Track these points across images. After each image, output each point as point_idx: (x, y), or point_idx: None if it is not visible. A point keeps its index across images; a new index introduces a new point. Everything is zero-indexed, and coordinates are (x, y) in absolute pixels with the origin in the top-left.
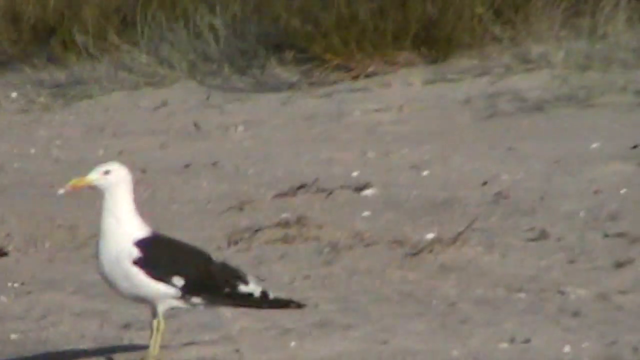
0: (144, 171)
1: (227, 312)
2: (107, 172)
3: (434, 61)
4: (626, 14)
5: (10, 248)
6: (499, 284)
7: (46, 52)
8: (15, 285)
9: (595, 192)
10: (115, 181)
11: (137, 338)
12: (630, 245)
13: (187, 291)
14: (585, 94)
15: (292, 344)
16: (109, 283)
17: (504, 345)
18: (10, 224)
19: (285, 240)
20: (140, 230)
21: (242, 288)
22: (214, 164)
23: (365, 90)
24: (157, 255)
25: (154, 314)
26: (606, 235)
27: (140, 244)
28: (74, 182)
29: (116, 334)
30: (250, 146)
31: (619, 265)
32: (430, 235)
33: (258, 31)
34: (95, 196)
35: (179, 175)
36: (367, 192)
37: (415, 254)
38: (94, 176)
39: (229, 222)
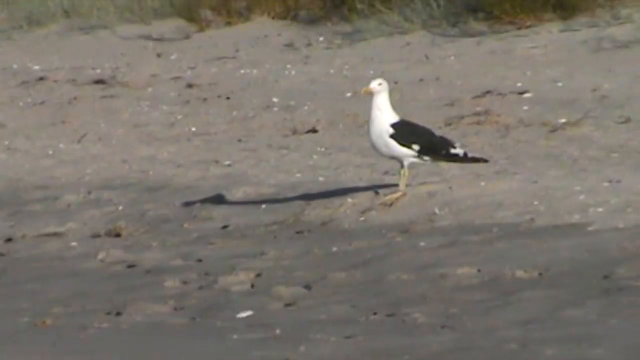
0: (396, 83)
1: (444, 165)
2: (379, 84)
3: (565, 19)
4: None
5: (319, 127)
6: (602, 148)
7: (340, 14)
8: (322, 149)
9: None
10: (381, 89)
11: (392, 180)
12: None
13: (420, 153)
14: None
15: (482, 183)
16: (375, 148)
17: (605, 184)
18: (319, 113)
19: (478, 123)
20: (393, 117)
21: (452, 150)
22: (437, 79)
23: (524, 36)
24: (404, 131)
25: (402, 166)
26: None
27: (394, 125)
28: (364, 89)
29: (380, 177)
30: (457, 69)
31: None
32: (562, 120)
33: (463, 1)
34: (367, 98)
35: (416, 86)
36: (526, 95)
37: (553, 131)
38: (372, 85)
39: (445, 113)
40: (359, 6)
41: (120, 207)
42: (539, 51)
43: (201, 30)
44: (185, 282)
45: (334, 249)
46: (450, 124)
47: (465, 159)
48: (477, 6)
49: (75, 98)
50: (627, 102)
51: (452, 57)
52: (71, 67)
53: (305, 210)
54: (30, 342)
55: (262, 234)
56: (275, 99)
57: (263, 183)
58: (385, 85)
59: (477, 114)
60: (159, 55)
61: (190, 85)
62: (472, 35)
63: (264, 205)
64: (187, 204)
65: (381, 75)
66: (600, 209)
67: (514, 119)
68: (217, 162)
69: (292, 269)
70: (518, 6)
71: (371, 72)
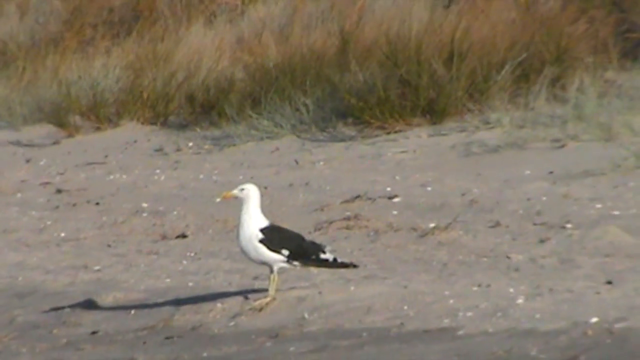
0: (266, 188)
1: (313, 270)
2: (243, 189)
3: (434, 123)
4: (545, 96)
5: (188, 233)
6: (472, 252)
7: (209, 119)
8: (191, 254)
9: (528, 199)
10: (249, 194)
11: (262, 285)
12: (549, 230)
13: (290, 258)
14: (522, 142)
15: (352, 288)
16: (245, 253)
17: (475, 288)
18: (188, 218)
19: (348, 228)
20: (263, 222)
21: (322, 255)
22: (307, 184)
23: (394, 141)
24: (273, 236)
25: (271, 271)
26: (534, 224)
27: (263, 230)
28: (224, 194)
29: (250, 282)
30: (327, 174)
31: (542, 241)
32: (432, 225)
33: (332, 106)
34: (236, 203)
35: (286, 190)
36: (396, 199)
37: (423, 236)
38: (236, 191)
39: (315, 217)
40: (228, 111)
41: None
42: (408, 156)
43: (70, 135)
44: None
45: (204, 354)
46: (320, 229)
47: (334, 264)
48: (346, 111)
49: None
50: (497, 207)
51: (322, 162)
52: None
53: (175, 316)
54: None
55: (131, 339)
56: (144, 204)
57: (133, 288)
58: (253, 190)
59: (347, 218)
60: (28, 161)
61: (59, 191)
62: (341, 140)
63: (133, 311)
64: (57, 310)
65: (251, 180)
66: (469, 314)
67: (383, 224)
68: (86, 267)
69: None
70: (387, 111)
71: (240, 177)
